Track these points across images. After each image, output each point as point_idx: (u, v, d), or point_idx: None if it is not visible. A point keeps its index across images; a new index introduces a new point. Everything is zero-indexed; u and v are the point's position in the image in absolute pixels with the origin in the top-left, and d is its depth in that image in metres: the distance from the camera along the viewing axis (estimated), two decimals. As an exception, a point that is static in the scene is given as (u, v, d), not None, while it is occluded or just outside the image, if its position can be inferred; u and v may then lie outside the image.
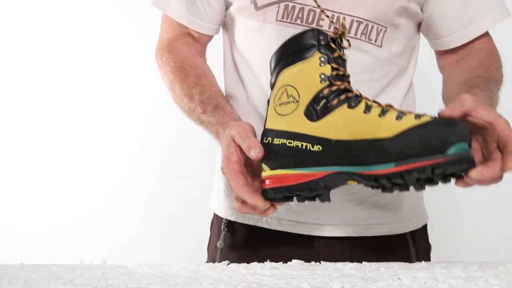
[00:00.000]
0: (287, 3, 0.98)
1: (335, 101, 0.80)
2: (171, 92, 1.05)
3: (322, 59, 0.83)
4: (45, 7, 2.01)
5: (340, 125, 0.78)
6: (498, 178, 0.76)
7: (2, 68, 2.04)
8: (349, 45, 0.86)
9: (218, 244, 1.11)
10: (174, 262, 0.86)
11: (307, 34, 0.85)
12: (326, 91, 0.81)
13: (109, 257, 0.94)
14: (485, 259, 0.97)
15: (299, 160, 0.80)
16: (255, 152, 0.81)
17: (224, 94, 1.09)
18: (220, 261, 1.08)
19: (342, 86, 0.81)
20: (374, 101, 0.80)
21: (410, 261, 1.03)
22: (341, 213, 1.05)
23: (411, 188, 0.77)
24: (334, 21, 0.98)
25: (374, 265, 0.86)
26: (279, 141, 0.82)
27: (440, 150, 0.72)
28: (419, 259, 1.07)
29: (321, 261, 0.91)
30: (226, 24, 1.11)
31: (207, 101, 0.97)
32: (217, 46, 1.15)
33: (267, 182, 0.82)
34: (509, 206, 1.83)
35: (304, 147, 0.80)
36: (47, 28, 2.01)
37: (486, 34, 1.07)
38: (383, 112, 0.77)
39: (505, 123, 0.76)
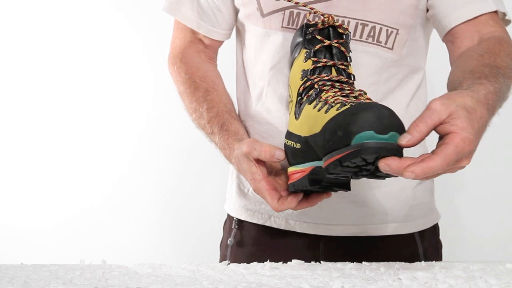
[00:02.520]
0: (292, 10, 0.99)
1: (304, 98, 0.82)
2: (181, 100, 1.08)
3: (306, 54, 0.84)
4: (45, 7, 2.01)
5: (303, 122, 0.81)
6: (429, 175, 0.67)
7: (2, 68, 2.04)
8: (347, 29, 0.87)
9: (228, 241, 1.13)
10: (174, 262, 0.86)
11: (298, 32, 0.87)
12: (301, 89, 0.83)
13: (109, 257, 0.94)
14: (485, 259, 0.97)
15: (294, 158, 0.84)
16: (279, 155, 0.84)
17: (236, 97, 1.11)
18: (230, 258, 1.11)
19: (316, 79, 0.82)
20: (335, 91, 0.78)
21: (418, 260, 1.03)
22: (347, 213, 1.05)
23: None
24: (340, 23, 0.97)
25: (374, 265, 0.86)
26: (286, 141, 0.86)
27: (345, 142, 0.67)
28: (427, 258, 1.07)
29: (322, 261, 0.91)
30: (238, 29, 1.12)
31: (213, 120, 1.00)
32: (231, 49, 1.15)
33: (290, 178, 0.85)
34: (509, 206, 1.83)
35: (293, 145, 0.83)
36: (47, 28, 2.01)
37: (497, 21, 1.00)
38: (322, 106, 0.75)
39: (460, 139, 0.67)
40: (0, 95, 2.04)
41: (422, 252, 1.10)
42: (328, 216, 1.05)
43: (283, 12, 0.99)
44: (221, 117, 1.00)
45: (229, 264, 0.87)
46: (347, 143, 0.67)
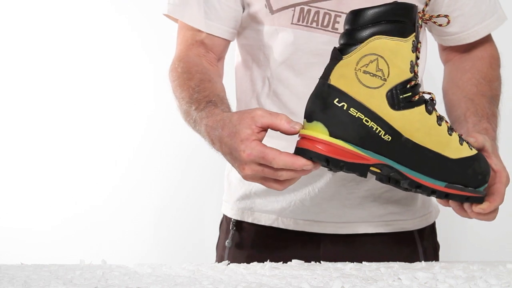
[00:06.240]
0: (302, 6, 0.98)
1: (415, 98, 0.77)
2: (174, 97, 1.01)
3: (414, 44, 0.77)
4: (45, 7, 2.01)
5: (416, 126, 0.77)
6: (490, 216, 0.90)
7: (3, 69, 2.04)
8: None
9: (226, 243, 1.12)
10: (174, 262, 0.86)
11: (413, 10, 0.77)
12: (411, 83, 0.76)
13: (109, 257, 0.94)
14: (485, 259, 0.98)
15: (366, 141, 0.75)
16: (298, 125, 0.76)
17: (236, 97, 1.09)
18: (228, 259, 1.09)
19: (418, 82, 0.78)
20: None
21: (418, 260, 1.04)
22: (355, 210, 1.05)
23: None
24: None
25: (374, 265, 0.86)
26: (357, 113, 0.75)
27: (476, 186, 0.83)
28: (427, 259, 1.08)
29: (322, 261, 0.91)
30: (238, 32, 1.09)
31: (202, 99, 0.92)
32: (230, 49, 1.13)
33: (319, 146, 0.74)
34: (509, 206, 1.82)
35: (376, 131, 0.75)
36: (48, 28, 2.01)
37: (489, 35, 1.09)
38: (450, 129, 0.80)
39: (506, 178, 0.87)
40: (0, 95, 2.04)
41: (422, 252, 1.10)
42: (337, 214, 1.05)
43: (293, 8, 0.99)
44: (211, 97, 0.92)
45: (229, 264, 0.87)
46: (477, 187, 0.83)
